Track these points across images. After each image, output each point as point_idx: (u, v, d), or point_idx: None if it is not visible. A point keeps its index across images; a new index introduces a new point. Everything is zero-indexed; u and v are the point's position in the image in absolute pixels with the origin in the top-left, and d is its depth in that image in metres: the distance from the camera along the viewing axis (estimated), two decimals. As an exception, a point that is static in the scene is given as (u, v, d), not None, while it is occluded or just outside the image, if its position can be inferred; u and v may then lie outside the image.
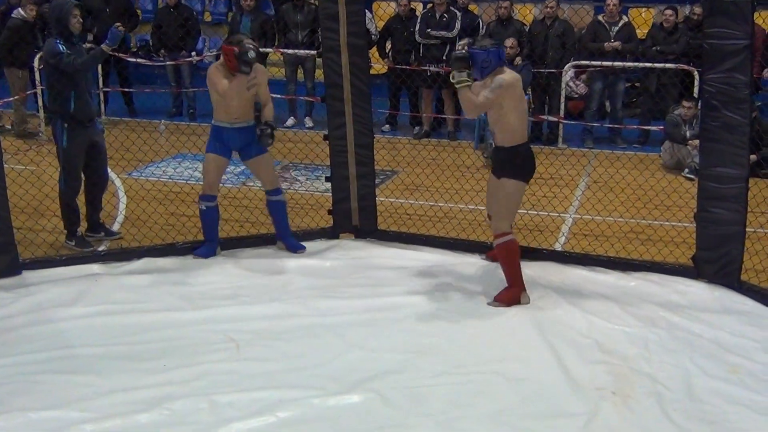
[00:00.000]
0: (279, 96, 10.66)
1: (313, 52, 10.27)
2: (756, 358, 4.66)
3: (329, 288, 5.58)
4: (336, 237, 6.46)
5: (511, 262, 5.35)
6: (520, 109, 5.29)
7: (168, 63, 11.03)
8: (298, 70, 10.99)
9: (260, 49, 10.47)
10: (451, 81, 5.26)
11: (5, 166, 5.67)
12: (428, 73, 9.98)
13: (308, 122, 10.78)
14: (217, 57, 10.96)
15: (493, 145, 5.46)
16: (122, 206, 7.29)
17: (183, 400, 4.15)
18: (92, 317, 5.10)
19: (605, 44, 9.75)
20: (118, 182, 7.92)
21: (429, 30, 10.00)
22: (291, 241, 6.23)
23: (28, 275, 5.66)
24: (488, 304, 5.31)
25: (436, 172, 7.88)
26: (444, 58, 9.96)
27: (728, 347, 4.78)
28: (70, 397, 4.18)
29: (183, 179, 8.03)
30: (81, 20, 6.11)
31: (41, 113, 9.89)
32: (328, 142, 6.37)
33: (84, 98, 6.07)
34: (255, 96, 6.01)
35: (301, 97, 10.77)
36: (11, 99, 9.73)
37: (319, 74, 9.53)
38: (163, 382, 4.35)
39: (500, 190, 5.39)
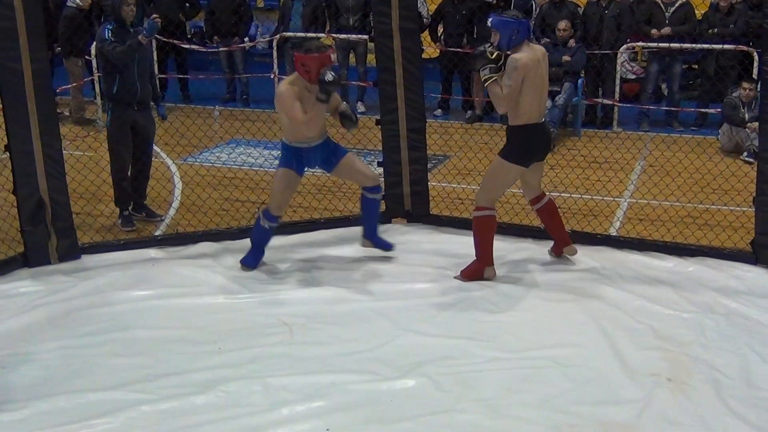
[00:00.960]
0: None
1: (365, 37, 10.26)
2: (817, 346, 4.56)
3: (381, 273, 5.60)
4: (388, 222, 6.46)
5: (483, 237, 5.38)
6: (536, 89, 5.15)
7: (221, 49, 11.12)
8: (350, 55, 11.00)
9: (312, 35, 10.59)
10: (481, 79, 5.21)
11: (64, 152, 5.79)
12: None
13: (360, 107, 10.78)
14: (270, 44, 11.13)
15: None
16: (177, 192, 7.39)
17: (237, 383, 4.21)
18: (149, 300, 5.19)
19: (652, 31, 9.57)
20: (173, 168, 8.03)
21: None
22: (380, 239, 5.89)
23: (87, 259, 5.77)
24: (454, 277, 5.42)
25: (489, 156, 7.78)
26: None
27: (788, 334, 4.69)
28: (127, 379, 4.27)
29: (237, 165, 8.10)
30: (134, 9, 6.23)
31: (98, 100, 10.06)
32: (380, 126, 6.37)
33: (130, 81, 6.26)
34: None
35: (353, 82, 10.78)
36: (69, 86, 9.90)
37: (371, 59, 9.55)
38: (218, 365, 4.41)
39: (492, 165, 5.44)
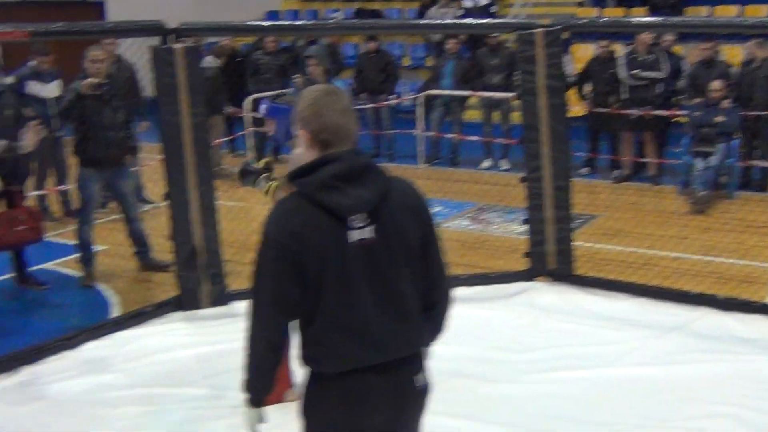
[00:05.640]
0: (475, 138, 10.75)
1: (510, 95, 10.28)
2: None
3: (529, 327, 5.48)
4: (531, 280, 6.36)
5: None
6: None
7: (368, 106, 11.38)
8: (494, 113, 11.03)
9: (459, 93, 10.71)
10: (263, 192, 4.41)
11: (217, 202, 6.02)
12: (630, 117, 9.71)
13: (504, 164, 10.76)
14: (415, 101, 11.30)
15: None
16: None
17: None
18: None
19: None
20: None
21: (638, 71, 9.76)
22: None
23: (236, 305, 5.93)
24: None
25: (637, 217, 7.63)
26: (650, 100, 9.70)
27: None
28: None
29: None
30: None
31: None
32: (524, 184, 6.33)
33: None
34: None
35: (497, 140, 10.78)
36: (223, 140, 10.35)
37: (515, 116, 9.54)
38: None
39: None
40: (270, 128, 4.41)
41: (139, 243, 6.86)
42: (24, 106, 6.67)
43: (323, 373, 2.61)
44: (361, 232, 2.53)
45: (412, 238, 2.61)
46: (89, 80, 6.35)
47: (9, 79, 7.24)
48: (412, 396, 2.68)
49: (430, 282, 2.68)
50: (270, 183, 4.37)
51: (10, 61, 7.90)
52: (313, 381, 2.65)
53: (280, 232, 2.54)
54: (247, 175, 4.44)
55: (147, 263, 6.88)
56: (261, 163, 4.52)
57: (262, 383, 2.70)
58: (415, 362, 2.68)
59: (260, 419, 2.74)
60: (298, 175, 2.57)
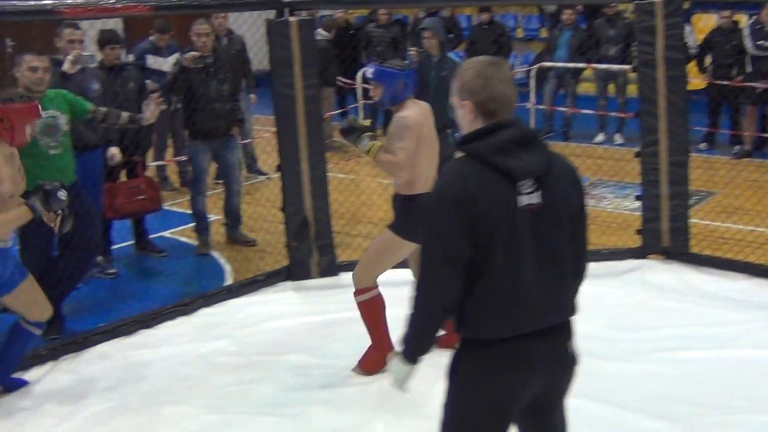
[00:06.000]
0: (589, 111, 10.51)
1: (626, 67, 9.99)
2: None
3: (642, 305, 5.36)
4: (643, 257, 6.20)
5: (374, 322, 4.57)
6: (431, 151, 4.39)
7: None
8: (609, 85, 10.75)
9: (573, 65, 10.46)
10: (361, 152, 4.47)
11: (328, 174, 6.10)
12: (755, 90, 9.30)
13: (618, 139, 10.50)
14: (527, 73, 11.12)
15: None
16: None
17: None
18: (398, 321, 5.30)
19: None
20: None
21: (763, 41, 9.33)
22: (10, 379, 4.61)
23: (344, 276, 6.01)
24: (352, 370, 4.66)
25: (757, 195, 7.33)
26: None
27: None
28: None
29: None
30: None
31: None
32: (639, 159, 6.16)
33: None
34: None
35: (612, 113, 10.51)
36: (335, 113, 10.47)
37: (631, 89, 9.28)
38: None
39: (379, 239, 4.59)
40: (376, 92, 4.43)
41: (232, 217, 7.01)
42: (145, 80, 6.90)
43: (482, 339, 2.62)
44: (529, 197, 2.56)
45: (572, 206, 2.66)
46: (191, 53, 6.49)
47: (130, 56, 7.47)
48: (566, 363, 2.72)
49: (577, 253, 2.71)
50: (373, 142, 4.39)
51: (131, 36, 8.15)
52: (470, 346, 2.66)
53: (455, 192, 2.54)
54: (351, 132, 4.47)
55: (234, 237, 7.03)
56: (366, 122, 4.53)
57: (423, 341, 2.70)
58: (568, 330, 2.72)
59: (408, 378, 2.74)
60: (470, 139, 2.62)
